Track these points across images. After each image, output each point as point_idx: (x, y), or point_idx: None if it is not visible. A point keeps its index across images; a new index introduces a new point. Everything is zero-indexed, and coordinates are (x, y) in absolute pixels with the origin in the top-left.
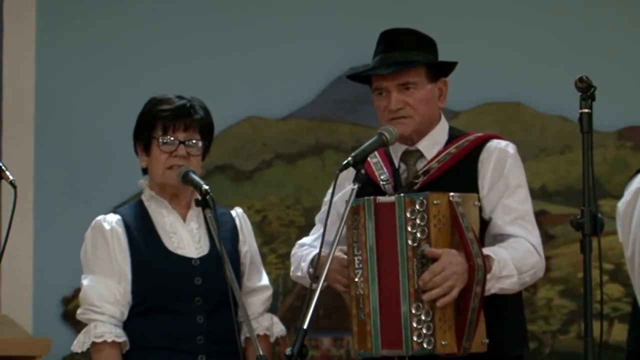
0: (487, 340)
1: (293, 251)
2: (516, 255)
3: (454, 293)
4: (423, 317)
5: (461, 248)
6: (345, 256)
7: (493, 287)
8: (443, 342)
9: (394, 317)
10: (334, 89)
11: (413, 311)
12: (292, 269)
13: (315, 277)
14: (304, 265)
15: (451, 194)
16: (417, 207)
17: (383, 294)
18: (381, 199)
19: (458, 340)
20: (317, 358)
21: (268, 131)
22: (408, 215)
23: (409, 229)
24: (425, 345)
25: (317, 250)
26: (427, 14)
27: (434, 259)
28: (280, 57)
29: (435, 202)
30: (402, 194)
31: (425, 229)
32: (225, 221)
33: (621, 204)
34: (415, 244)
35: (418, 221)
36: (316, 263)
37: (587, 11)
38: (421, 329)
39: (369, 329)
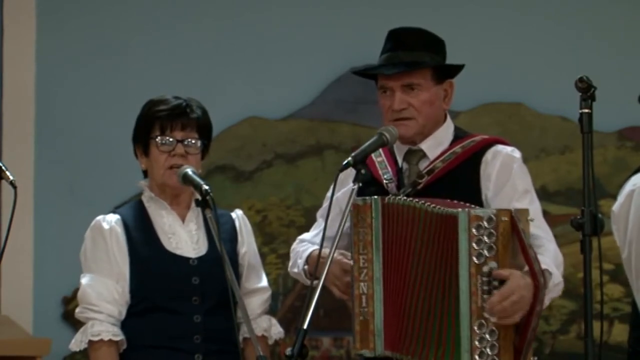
0: (535, 358)
1: (293, 246)
2: (552, 257)
3: (518, 317)
4: (487, 337)
5: (524, 265)
6: (347, 261)
7: (548, 300)
8: None
9: (417, 324)
10: (334, 89)
11: (476, 329)
12: (289, 264)
13: (315, 277)
14: (300, 262)
15: (512, 209)
16: (485, 223)
17: (390, 295)
18: (390, 198)
19: (516, 359)
20: (317, 358)
21: (268, 131)
22: (474, 231)
23: (474, 246)
24: None
25: (313, 247)
26: (428, 14)
27: (501, 280)
28: (280, 57)
29: (503, 218)
30: (466, 209)
31: (494, 246)
32: (224, 222)
33: (616, 207)
34: (481, 262)
35: (485, 239)
36: (316, 262)
37: (587, 11)
38: (485, 348)
39: (372, 328)
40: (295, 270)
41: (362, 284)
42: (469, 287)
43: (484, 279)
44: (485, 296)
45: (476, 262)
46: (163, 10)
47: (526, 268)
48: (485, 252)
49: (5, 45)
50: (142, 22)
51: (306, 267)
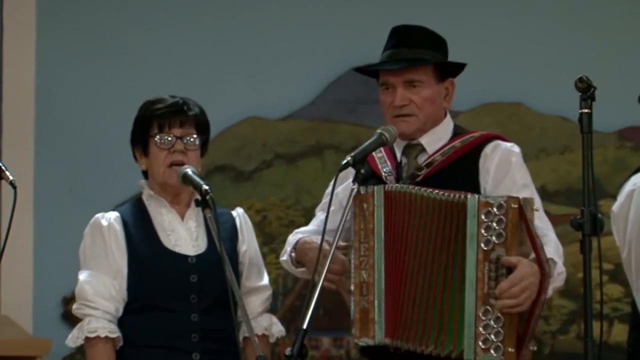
0: (535, 347)
1: (288, 238)
2: (554, 247)
3: (526, 305)
4: (492, 324)
5: (529, 253)
6: (342, 256)
7: (551, 289)
8: (510, 349)
9: (417, 311)
10: (334, 89)
11: (480, 315)
12: (281, 253)
13: (301, 264)
14: (289, 249)
15: (520, 197)
16: (495, 210)
17: (391, 283)
18: (391, 186)
19: (519, 348)
20: (317, 358)
21: (268, 131)
22: (483, 217)
23: (483, 232)
24: (492, 352)
25: (302, 235)
26: (428, 13)
27: (509, 267)
28: (280, 57)
29: (513, 205)
30: (477, 195)
31: (503, 232)
32: (225, 221)
33: (615, 207)
34: (489, 248)
35: (495, 225)
36: (317, 258)
37: (587, 11)
38: (490, 334)
39: (372, 316)
40: (284, 257)
41: (362, 272)
42: (476, 273)
43: (492, 265)
44: (492, 282)
45: (484, 248)
46: (163, 11)
47: (532, 256)
48: (494, 239)
49: (5, 45)
50: (142, 23)
51: (293, 253)
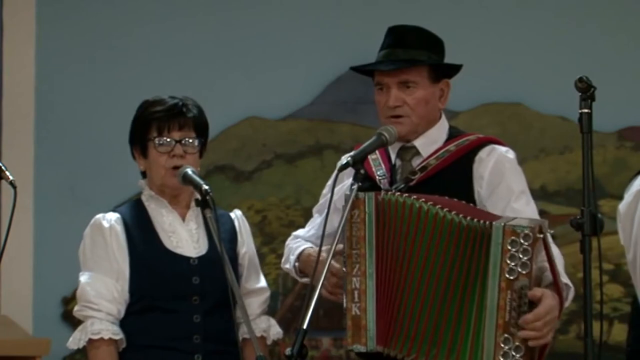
0: None
1: (287, 242)
2: (560, 263)
3: (549, 338)
4: (513, 352)
5: (541, 275)
6: (333, 263)
7: (562, 312)
8: None
9: (424, 324)
10: (334, 89)
11: (500, 343)
12: (283, 259)
13: (305, 275)
14: (292, 258)
15: (541, 224)
16: (522, 240)
17: (384, 291)
18: (387, 195)
19: None
20: (317, 358)
21: (268, 131)
22: (508, 246)
23: (507, 260)
24: None
25: (305, 245)
26: (428, 14)
27: (533, 299)
28: (280, 57)
29: (539, 235)
30: (502, 222)
31: (528, 263)
32: (224, 222)
33: (622, 206)
34: (513, 277)
35: (520, 255)
36: (306, 260)
37: (586, 11)
38: None
39: (364, 323)
40: (287, 266)
41: (354, 278)
42: (497, 301)
43: (515, 294)
44: (514, 312)
45: (509, 277)
46: (163, 11)
47: (550, 279)
48: (519, 269)
49: (5, 45)
50: (142, 23)
51: (297, 263)
